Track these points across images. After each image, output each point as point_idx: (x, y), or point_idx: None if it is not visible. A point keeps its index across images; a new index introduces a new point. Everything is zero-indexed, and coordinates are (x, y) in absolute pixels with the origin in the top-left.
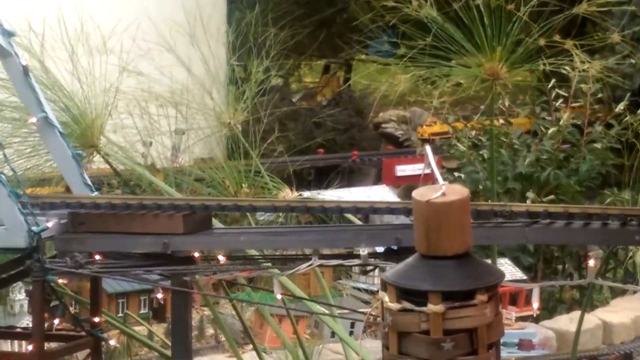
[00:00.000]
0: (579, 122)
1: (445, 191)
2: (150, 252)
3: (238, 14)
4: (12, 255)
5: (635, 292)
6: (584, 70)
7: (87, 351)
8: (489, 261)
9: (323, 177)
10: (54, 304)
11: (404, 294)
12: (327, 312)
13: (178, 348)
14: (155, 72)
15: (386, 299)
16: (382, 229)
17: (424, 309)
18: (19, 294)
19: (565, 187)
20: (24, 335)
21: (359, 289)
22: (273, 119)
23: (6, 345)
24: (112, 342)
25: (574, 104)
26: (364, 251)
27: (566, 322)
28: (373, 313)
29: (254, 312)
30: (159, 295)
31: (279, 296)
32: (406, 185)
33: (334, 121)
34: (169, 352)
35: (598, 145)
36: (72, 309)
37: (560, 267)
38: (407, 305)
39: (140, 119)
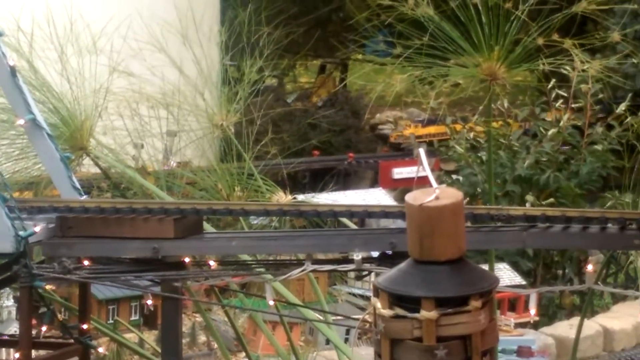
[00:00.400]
0: (579, 124)
1: (438, 195)
2: (140, 257)
3: (231, 12)
4: None
5: (636, 297)
6: (583, 70)
7: (76, 359)
8: (486, 266)
9: (318, 180)
10: (42, 311)
11: (396, 300)
12: (321, 318)
13: (168, 355)
14: (146, 72)
15: (378, 305)
16: (376, 233)
17: (416, 315)
18: (7, 301)
19: (565, 189)
20: (11, 342)
21: (354, 295)
22: (267, 120)
23: None
24: (101, 350)
25: (574, 105)
26: (358, 256)
27: (566, 328)
28: (366, 319)
29: (247, 319)
30: (149, 302)
31: (271, 302)
32: (403, 188)
33: (330, 122)
34: None
35: (599, 147)
36: (60, 316)
37: (560, 272)
38: (400, 311)
39: (131, 121)
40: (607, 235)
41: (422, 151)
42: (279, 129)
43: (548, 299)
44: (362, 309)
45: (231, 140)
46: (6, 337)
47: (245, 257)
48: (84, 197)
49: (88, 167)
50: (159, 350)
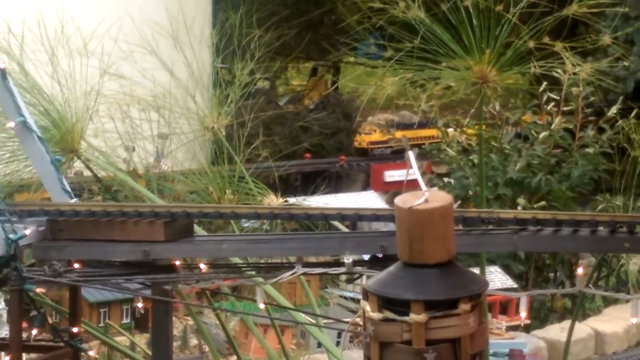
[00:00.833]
0: (570, 127)
1: (428, 198)
2: (130, 260)
3: (222, 15)
4: None
5: (627, 300)
6: (574, 74)
7: None
8: (478, 269)
9: (310, 183)
10: (33, 314)
11: (386, 303)
12: (312, 321)
13: (158, 358)
14: (137, 75)
15: (368, 308)
16: (367, 236)
17: (406, 318)
18: None
19: (556, 192)
20: (1, 345)
21: (345, 298)
22: (258, 123)
23: None
24: (91, 353)
25: (565, 108)
26: (348, 259)
27: (557, 331)
28: (356, 322)
29: (238, 322)
30: (140, 305)
31: (261, 305)
32: (395, 191)
33: (321, 125)
34: None
35: (590, 150)
36: (51, 319)
37: (551, 275)
38: (389, 314)
39: (122, 123)
40: (598, 238)
41: (411, 154)
42: (271, 131)
43: (540, 302)
44: (354, 312)
45: (222, 143)
46: None
47: (236, 260)
48: (75, 200)
49: (79, 169)
50: (150, 353)
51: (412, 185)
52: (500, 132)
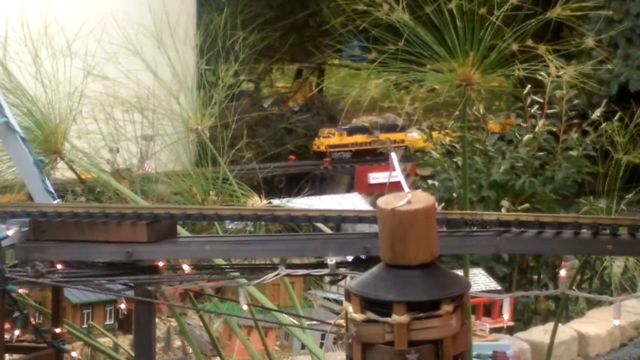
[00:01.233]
0: (554, 129)
1: (410, 199)
2: (113, 261)
3: (206, 16)
4: None
5: (610, 303)
6: (558, 76)
7: None
8: (461, 271)
9: (294, 185)
10: (16, 315)
11: (368, 304)
12: (296, 323)
13: (141, 358)
14: (121, 76)
15: (350, 309)
16: (350, 238)
17: (388, 319)
18: None
19: (540, 195)
20: None
21: (329, 300)
22: (242, 125)
23: None
24: (74, 354)
25: (549, 111)
26: (332, 260)
27: (541, 333)
28: (338, 324)
29: (222, 324)
30: (123, 306)
31: (244, 307)
32: (379, 193)
33: (306, 127)
34: None
35: (574, 153)
36: (34, 320)
37: (535, 277)
38: (372, 315)
39: (106, 125)
40: (581, 240)
41: (394, 156)
42: (255, 133)
43: (523, 304)
44: (338, 313)
45: (206, 145)
46: None
47: (220, 261)
48: (58, 201)
49: (62, 170)
50: (133, 354)
51: (396, 187)
52: (484, 134)
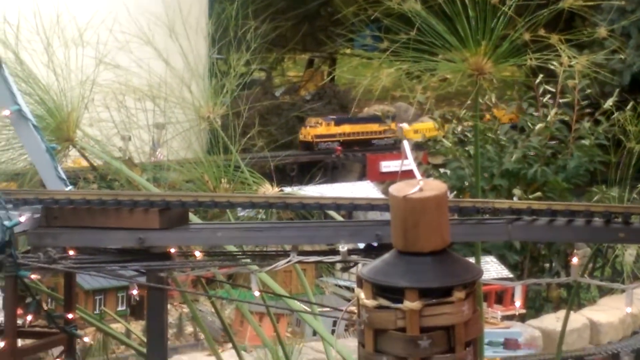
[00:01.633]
0: (566, 119)
1: (422, 187)
2: (125, 248)
3: (218, 6)
4: None
5: (622, 291)
6: (570, 66)
7: (61, 348)
8: (473, 259)
9: (306, 173)
10: (29, 301)
11: (380, 290)
12: (308, 310)
13: (153, 344)
14: (132, 65)
15: (362, 295)
16: (362, 225)
17: (400, 306)
18: None
19: (552, 184)
20: None
21: (340, 287)
22: (254, 113)
23: None
24: (86, 339)
25: (561, 100)
26: (343, 247)
27: (552, 321)
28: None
29: (233, 310)
30: (134, 292)
31: (256, 293)
32: (391, 182)
33: (318, 116)
34: (145, 350)
35: (586, 142)
36: (46, 305)
37: (547, 265)
38: (383, 302)
39: (118, 113)
40: (593, 228)
41: (406, 144)
42: (267, 122)
43: (535, 292)
44: (349, 300)
45: (218, 133)
46: None
47: (231, 248)
48: (70, 187)
49: (74, 158)
50: (145, 340)
51: (408, 175)
52: (496, 123)
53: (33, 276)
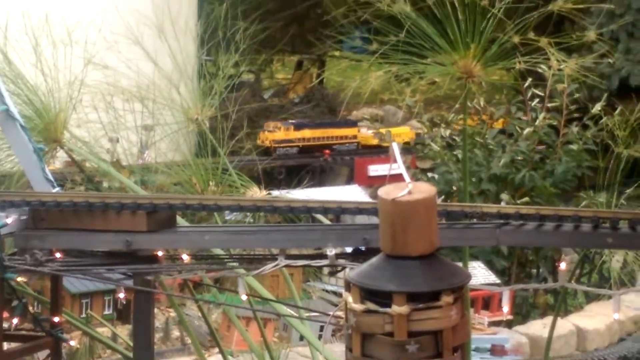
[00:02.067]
0: (555, 123)
1: (411, 190)
2: (113, 250)
3: (207, 6)
4: None
5: (609, 297)
6: (559, 70)
7: (47, 352)
8: (460, 264)
9: (294, 176)
10: (15, 304)
11: (368, 294)
12: (295, 314)
13: (140, 348)
14: (121, 65)
15: (350, 299)
16: (350, 229)
17: (388, 310)
18: None
19: (540, 189)
20: None
21: (328, 291)
22: (242, 116)
23: None
24: (72, 343)
25: (550, 104)
26: (331, 251)
27: (539, 327)
28: (339, 314)
29: (220, 314)
30: (121, 295)
31: (244, 297)
32: (379, 186)
33: (306, 118)
34: (132, 354)
35: (574, 147)
36: (32, 309)
37: (534, 270)
38: (371, 306)
39: (106, 114)
40: (581, 233)
41: (395, 146)
42: (255, 124)
43: (522, 298)
44: (336, 305)
45: (206, 135)
46: None
47: (218, 251)
48: (57, 189)
49: (62, 159)
50: (132, 344)
51: (396, 179)
52: (485, 127)
53: (19, 279)
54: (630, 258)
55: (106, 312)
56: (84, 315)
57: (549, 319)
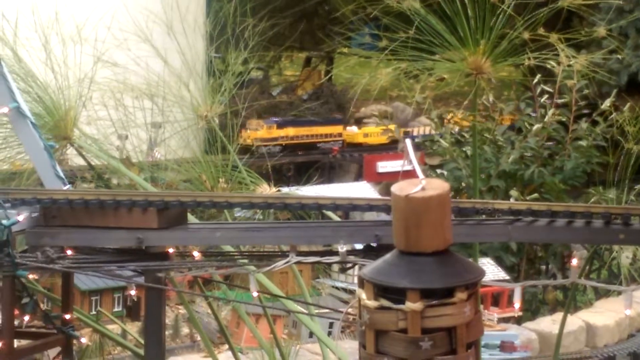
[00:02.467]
0: (564, 119)
1: (425, 186)
2: (124, 248)
3: (216, 4)
4: None
5: (619, 293)
6: (569, 66)
7: (58, 349)
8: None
9: (303, 173)
10: (25, 301)
11: (381, 291)
12: (304, 311)
13: (151, 345)
14: (130, 63)
15: (363, 296)
16: (361, 225)
17: (401, 306)
18: None
19: (549, 185)
20: None
21: (337, 288)
22: (252, 113)
23: None
24: (83, 340)
25: (559, 100)
26: (342, 248)
27: (549, 323)
28: (350, 312)
29: (230, 311)
30: (132, 292)
31: (255, 294)
32: (388, 182)
33: (315, 115)
34: (142, 351)
35: (583, 143)
36: (43, 306)
37: (543, 267)
38: (385, 302)
39: (115, 111)
40: (592, 229)
41: (408, 143)
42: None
43: (531, 294)
44: (345, 302)
45: (216, 132)
46: None
47: (229, 248)
48: (68, 186)
49: (71, 156)
50: (142, 341)
51: (408, 175)
52: (494, 124)
53: (30, 276)
54: None
55: (116, 309)
56: (93, 312)
57: (558, 315)
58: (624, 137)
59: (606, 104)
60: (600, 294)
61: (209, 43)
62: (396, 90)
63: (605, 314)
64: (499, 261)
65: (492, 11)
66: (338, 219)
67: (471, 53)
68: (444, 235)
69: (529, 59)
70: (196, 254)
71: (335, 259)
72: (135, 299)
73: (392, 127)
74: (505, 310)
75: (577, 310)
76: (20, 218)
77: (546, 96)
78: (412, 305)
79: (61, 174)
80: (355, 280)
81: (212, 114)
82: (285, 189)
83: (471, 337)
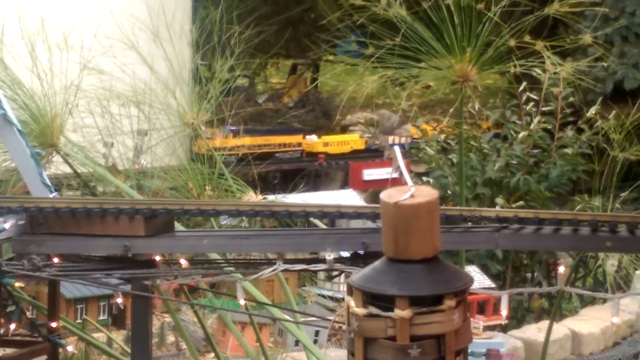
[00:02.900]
0: (549, 127)
1: (414, 193)
2: (110, 255)
3: (202, 11)
4: None
5: (604, 301)
6: (554, 73)
7: (44, 357)
8: None
9: (289, 181)
10: (11, 309)
11: (370, 298)
12: (291, 319)
13: (138, 353)
14: (117, 70)
15: (352, 303)
16: (348, 233)
17: (390, 314)
18: None
19: (535, 193)
20: None
21: (323, 296)
22: (238, 120)
23: None
24: (69, 349)
25: (544, 108)
26: (329, 256)
27: (534, 331)
28: (338, 320)
29: (216, 319)
30: (119, 300)
31: (242, 301)
32: (373, 190)
33: (301, 123)
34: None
35: (569, 151)
36: (29, 314)
37: (529, 275)
38: (374, 310)
39: (102, 118)
40: (579, 236)
41: (397, 150)
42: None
43: (517, 302)
44: (332, 310)
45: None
46: None
47: (216, 256)
48: (54, 194)
49: (57, 164)
50: (127, 349)
51: (396, 183)
52: (479, 131)
53: (17, 284)
54: (626, 261)
55: (101, 317)
56: (79, 320)
57: (543, 323)
58: (609, 144)
59: (592, 111)
60: (586, 302)
61: (195, 50)
62: (382, 98)
63: (591, 322)
64: (485, 269)
65: (478, 19)
66: (324, 226)
67: (457, 61)
68: (433, 242)
69: (515, 66)
70: (183, 262)
71: (323, 266)
72: (122, 307)
73: (356, 136)
74: (490, 318)
75: (562, 318)
76: (7, 226)
77: (532, 104)
78: (401, 312)
79: (48, 182)
80: (342, 288)
81: (198, 122)
82: (271, 197)
83: (460, 345)
